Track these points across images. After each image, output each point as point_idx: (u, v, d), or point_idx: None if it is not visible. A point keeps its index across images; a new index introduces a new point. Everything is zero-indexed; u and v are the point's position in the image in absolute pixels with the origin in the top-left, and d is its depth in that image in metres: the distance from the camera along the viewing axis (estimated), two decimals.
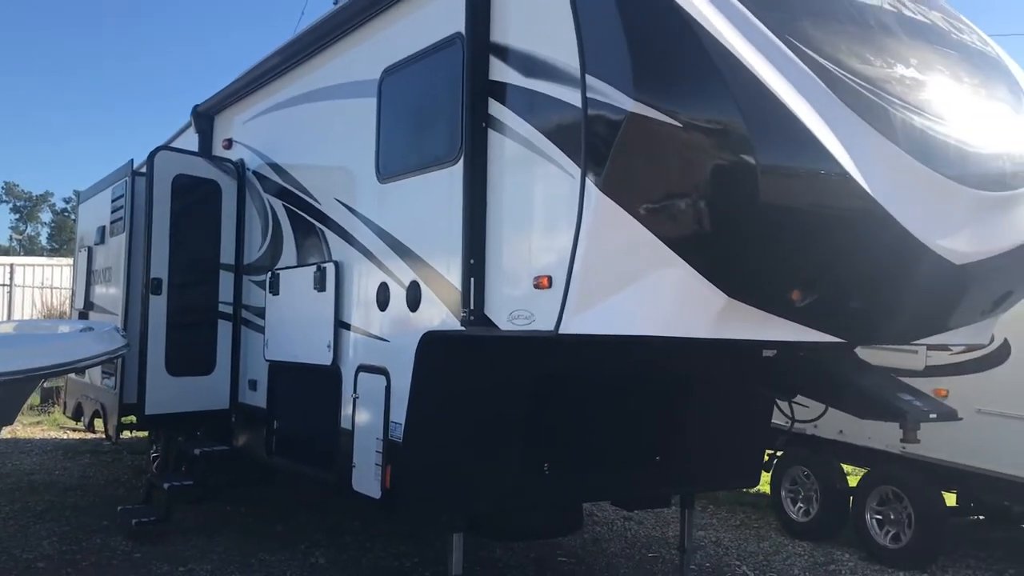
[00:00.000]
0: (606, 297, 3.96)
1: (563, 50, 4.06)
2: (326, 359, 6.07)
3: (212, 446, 7.85)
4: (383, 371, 5.45)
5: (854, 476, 8.42)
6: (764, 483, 9.16)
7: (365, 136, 5.77)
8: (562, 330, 4.01)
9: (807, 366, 4.82)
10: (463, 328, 4.67)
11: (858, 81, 3.84)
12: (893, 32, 4.27)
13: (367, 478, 5.50)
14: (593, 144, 3.85)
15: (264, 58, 7.31)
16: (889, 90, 3.91)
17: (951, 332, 4.78)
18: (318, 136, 6.61)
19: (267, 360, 7.07)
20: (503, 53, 4.57)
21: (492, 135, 4.60)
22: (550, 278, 4.11)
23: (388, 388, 5.37)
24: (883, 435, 7.56)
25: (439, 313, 4.97)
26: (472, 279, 4.57)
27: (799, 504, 8.51)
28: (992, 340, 6.74)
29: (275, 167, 7.26)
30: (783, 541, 8.30)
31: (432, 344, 4.99)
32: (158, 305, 7.28)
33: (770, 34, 3.82)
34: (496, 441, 5.33)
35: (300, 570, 6.87)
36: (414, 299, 5.19)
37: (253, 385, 7.45)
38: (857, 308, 4.15)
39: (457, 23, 4.80)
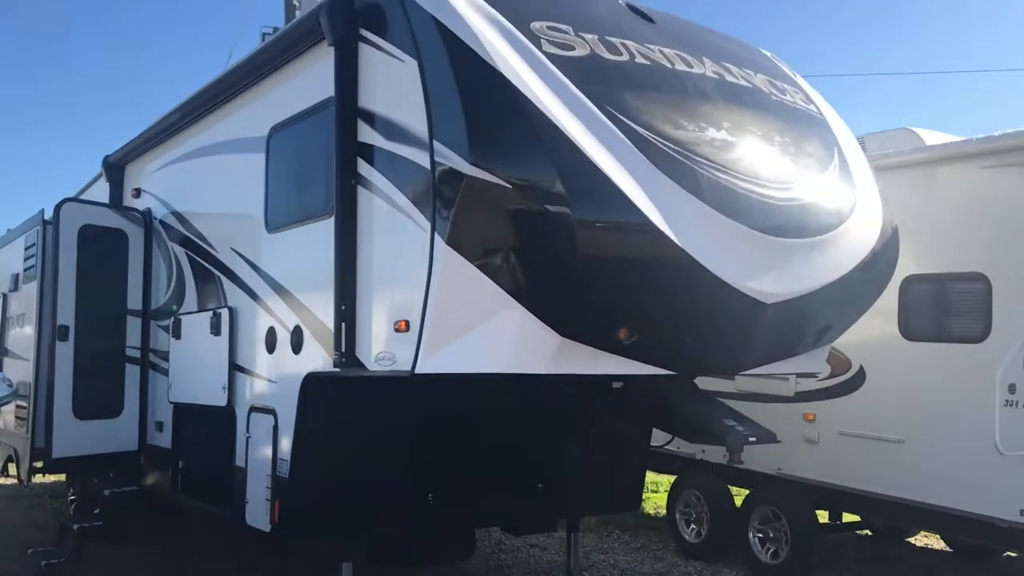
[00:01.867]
0: (455, 339, 4.39)
1: (415, 117, 4.51)
2: (221, 400, 6.40)
3: (122, 486, 8.08)
4: (272, 411, 5.80)
5: (741, 498, 8.91)
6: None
7: (256, 189, 6.16)
8: (417, 370, 4.43)
9: (649, 396, 5.29)
10: (337, 369, 5.05)
11: (668, 144, 4.36)
12: (710, 98, 4.81)
13: (259, 512, 5.83)
14: (440, 202, 4.30)
15: (167, 112, 7.66)
16: (698, 152, 4.44)
17: (783, 362, 5.29)
18: (216, 188, 6.98)
19: (171, 402, 7.35)
20: (370, 118, 5.00)
21: (361, 192, 5.01)
22: (407, 322, 4.53)
23: (276, 427, 5.72)
24: (763, 458, 8.08)
25: (319, 356, 5.34)
26: (343, 324, 4.96)
27: (692, 526, 8.96)
28: (850, 367, 7.38)
29: (178, 216, 7.59)
30: (677, 562, 8.73)
31: (314, 385, 5.36)
32: (65, 351, 7.52)
33: (591, 105, 4.33)
34: (379, 475, 5.70)
35: None
36: (297, 343, 5.56)
37: (160, 427, 7.72)
38: (681, 344, 4.64)
39: (329, 88, 5.22)
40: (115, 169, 8.97)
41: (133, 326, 8.03)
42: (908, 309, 6.97)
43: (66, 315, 7.55)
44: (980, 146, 6.51)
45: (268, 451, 5.76)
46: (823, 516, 8.47)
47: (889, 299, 6.98)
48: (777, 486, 8.02)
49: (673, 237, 4.19)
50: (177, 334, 7.27)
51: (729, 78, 5.05)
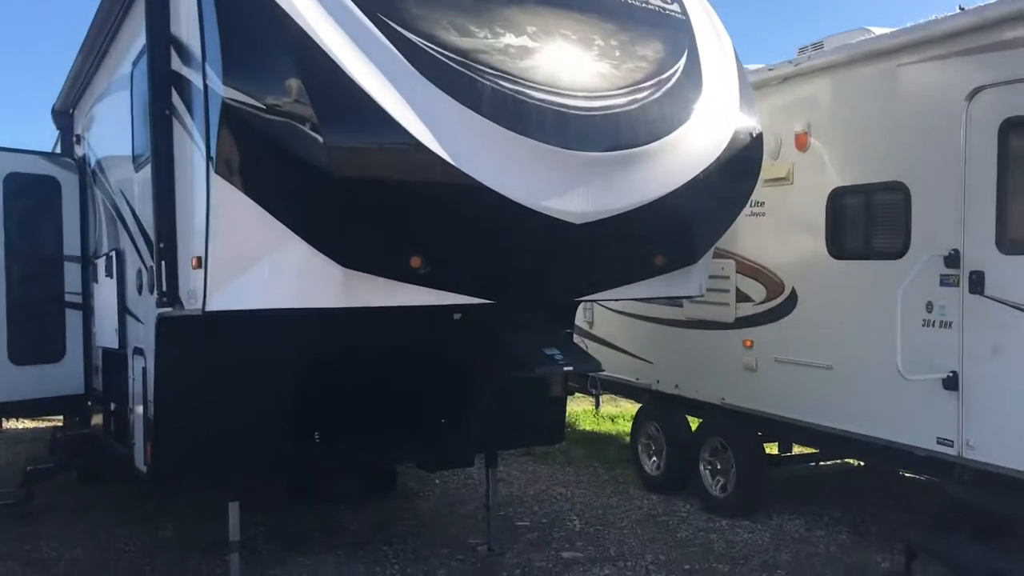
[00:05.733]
0: (240, 274, 4.17)
1: (196, 40, 4.24)
2: (115, 343, 6.37)
3: (76, 430, 8.24)
4: (143, 352, 5.72)
5: None
6: None
7: (126, 126, 6.01)
8: (207, 308, 4.24)
9: (477, 328, 4.97)
10: (170, 310, 4.90)
11: (448, 55, 3.97)
12: (521, 1, 4.36)
13: (139, 455, 5.81)
14: (209, 129, 4.05)
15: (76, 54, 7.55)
16: (484, 61, 4.03)
17: (643, 285, 4.90)
18: (108, 129, 6.87)
19: (97, 346, 7.39)
20: (177, 45, 4.74)
21: (175, 123, 4.77)
22: (199, 258, 4.33)
23: (145, 368, 5.65)
24: (708, 388, 7.71)
25: None
26: (163, 262, 4.77)
27: (653, 458, 8.65)
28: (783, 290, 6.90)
29: (97, 160, 7.54)
30: (635, 495, 8.43)
31: (166, 324, 5.22)
32: None
33: (360, 15, 3.96)
34: (253, 414, 5.55)
35: (145, 543, 7.19)
36: (152, 283, 5.43)
37: (96, 371, 7.80)
38: (485, 271, 4.30)
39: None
40: (63, 116, 8.97)
41: (72, 272, 8.06)
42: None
43: None
44: (892, 41, 5.83)
45: (143, 392, 5.71)
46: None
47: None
48: (723, 416, 7.63)
49: (444, 155, 3.84)
50: (95, 278, 7.28)
51: None
